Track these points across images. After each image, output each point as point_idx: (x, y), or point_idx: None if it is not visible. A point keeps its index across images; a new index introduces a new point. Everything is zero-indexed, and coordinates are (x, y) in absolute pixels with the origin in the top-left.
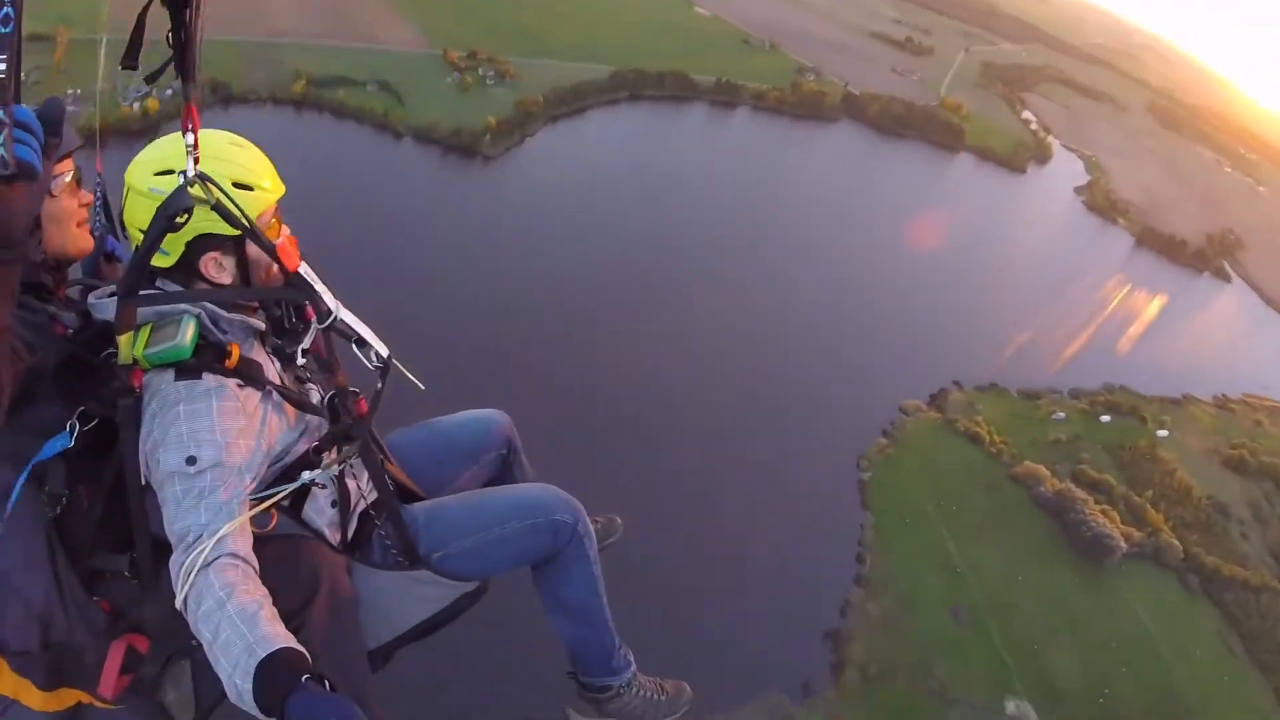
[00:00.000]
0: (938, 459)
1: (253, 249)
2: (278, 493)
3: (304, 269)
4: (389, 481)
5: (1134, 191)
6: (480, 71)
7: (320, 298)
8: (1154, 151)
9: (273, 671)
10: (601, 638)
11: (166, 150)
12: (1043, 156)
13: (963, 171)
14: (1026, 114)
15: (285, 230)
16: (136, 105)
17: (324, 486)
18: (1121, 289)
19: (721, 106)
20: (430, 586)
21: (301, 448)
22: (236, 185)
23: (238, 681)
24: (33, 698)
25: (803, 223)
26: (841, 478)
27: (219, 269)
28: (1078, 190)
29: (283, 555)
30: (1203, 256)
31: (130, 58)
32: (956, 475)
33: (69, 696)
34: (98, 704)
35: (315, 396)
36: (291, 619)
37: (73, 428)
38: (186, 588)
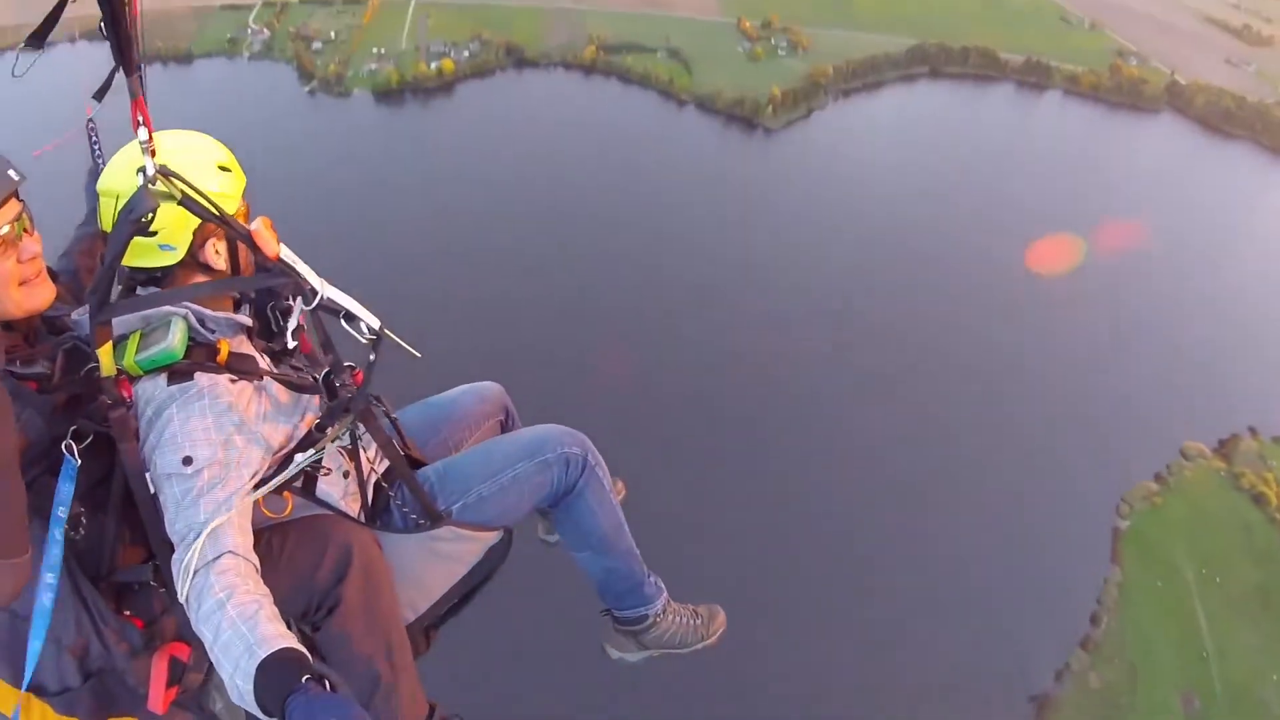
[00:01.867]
0: (1211, 516)
1: (238, 226)
2: (277, 476)
3: (284, 251)
4: (398, 448)
5: None
6: (773, 41)
7: (304, 279)
8: None
9: (273, 672)
10: (629, 566)
11: (136, 151)
12: None
13: None
14: None
15: (268, 220)
16: (434, 65)
17: (328, 471)
18: None
19: (1030, 88)
20: (455, 543)
21: (304, 431)
22: (222, 169)
23: (239, 682)
24: None
25: (1103, 225)
26: (1093, 521)
27: (216, 255)
28: None
29: (308, 536)
30: None
31: (37, 38)
32: (1229, 538)
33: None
34: None
35: (309, 379)
36: (327, 597)
37: (69, 448)
38: (186, 587)
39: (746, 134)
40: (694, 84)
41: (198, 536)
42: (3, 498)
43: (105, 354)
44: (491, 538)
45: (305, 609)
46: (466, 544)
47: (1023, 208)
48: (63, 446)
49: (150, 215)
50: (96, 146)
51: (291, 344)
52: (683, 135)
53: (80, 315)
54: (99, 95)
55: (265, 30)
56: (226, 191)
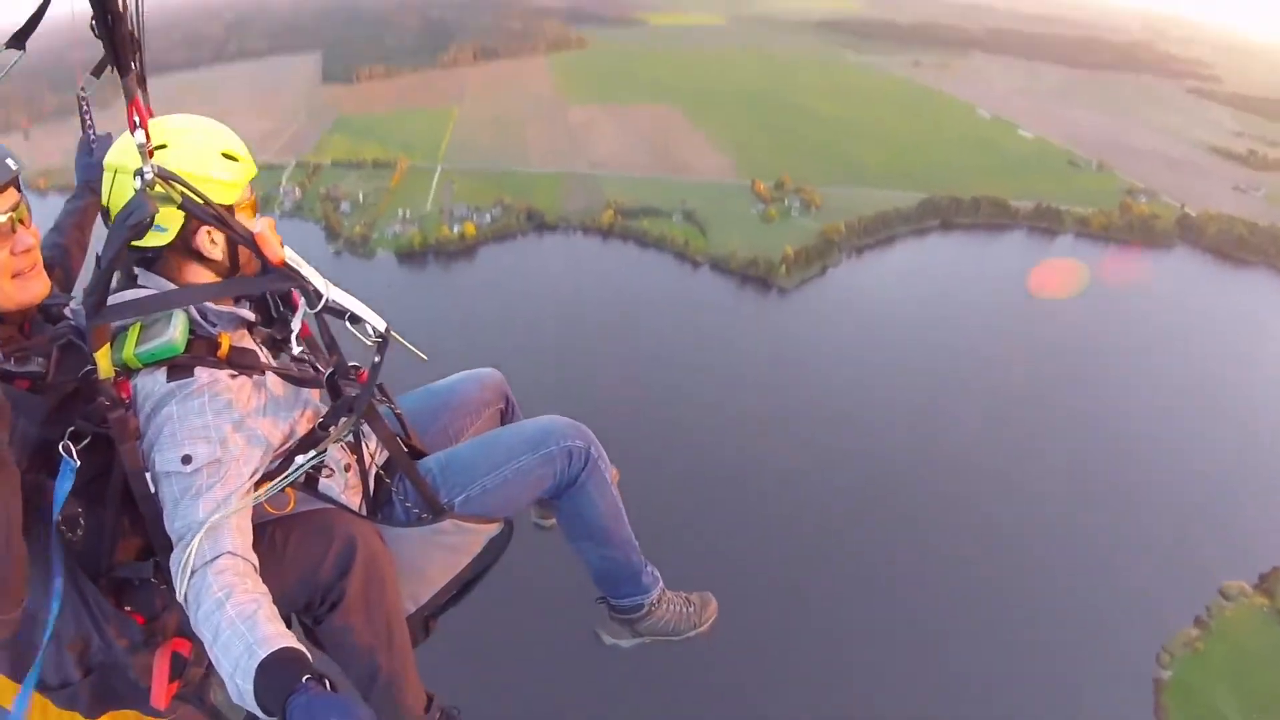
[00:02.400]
0: (1256, 656)
1: (236, 220)
2: (280, 477)
3: (289, 253)
4: (400, 441)
5: None
6: (786, 202)
7: (308, 282)
8: None
9: (273, 672)
10: (627, 557)
11: (159, 127)
12: None
13: None
14: None
15: (270, 221)
16: (457, 229)
17: (330, 473)
18: None
19: (1042, 234)
20: (457, 535)
21: (304, 427)
22: (225, 156)
23: (239, 682)
24: None
25: (1120, 363)
26: (1133, 673)
27: (211, 244)
28: None
29: (311, 530)
30: None
31: (18, 39)
32: (1276, 677)
33: (118, 719)
34: (147, 718)
35: (310, 371)
36: (330, 592)
37: (67, 449)
38: (184, 586)
39: (762, 294)
40: (709, 245)
41: (195, 536)
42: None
43: (103, 357)
44: (493, 529)
45: (308, 603)
46: (468, 536)
47: (1030, 350)
48: (60, 448)
49: (149, 220)
50: (88, 117)
51: (297, 349)
52: (698, 296)
53: (78, 306)
54: (96, 71)
55: (297, 190)
56: (229, 179)
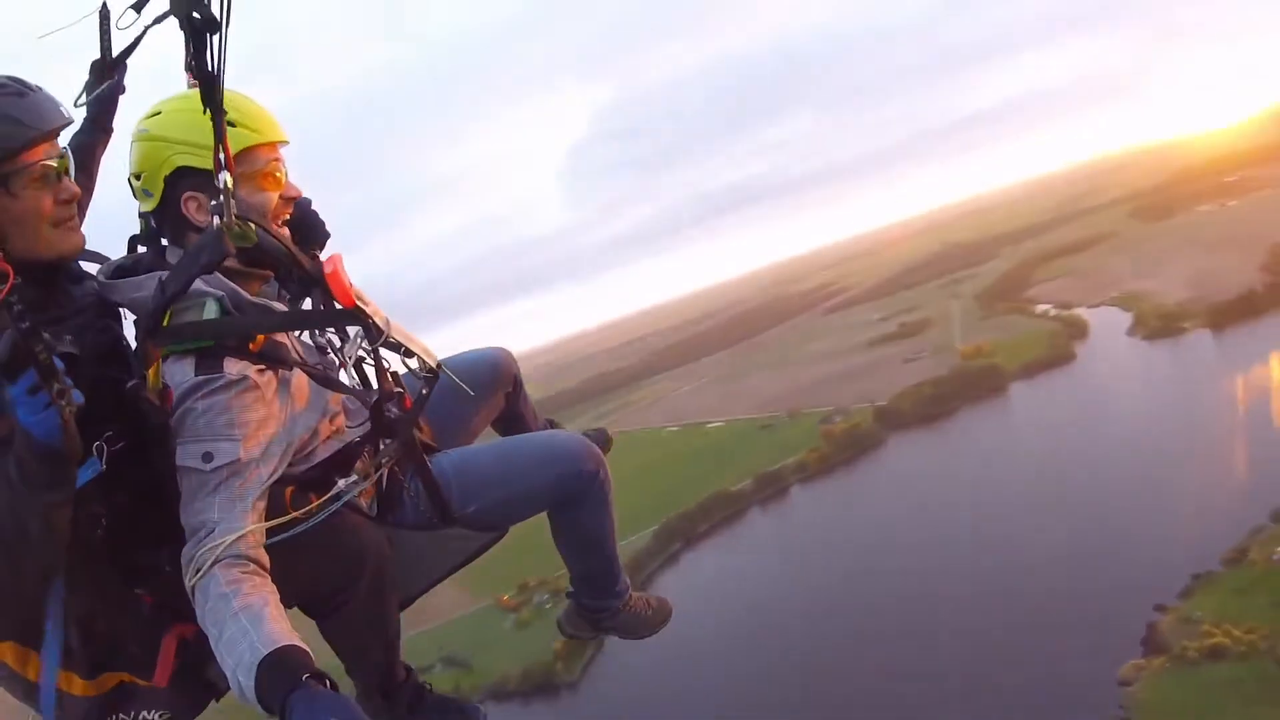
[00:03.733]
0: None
1: (240, 191)
2: (324, 501)
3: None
4: (419, 446)
5: (1176, 291)
6: (535, 601)
7: (373, 322)
8: (1164, 245)
9: (275, 669)
10: (609, 568)
11: (228, 99)
12: (1080, 331)
13: (1024, 405)
14: (1040, 307)
15: (339, 259)
16: None
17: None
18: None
19: (774, 500)
20: (457, 538)
21: (326, 429)
22: (226, 123)
23: (240, 678)
24: (75, 685)
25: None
26: None
27: (201, 211)
28: (1129, 332)
29: (324, 536)
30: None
31: (111, 66)
32: None
33: (111, 679)
34: (141, 683)
35: (334, 373)
36: (336, 594)
37: (100, 450)
38: (194, 581)
39: (552, 698)
40: (479, 678)
41: (209, 532)
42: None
43: (154, 373)
44: (494, 535)
45: (310, 604)
46: (470, 540)
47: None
48: (94, 449)
49: (221, 259)
50: (107, 37)
51: (352, 379)
52: None
53: (106, 279)
54: (138, 5)
55: None
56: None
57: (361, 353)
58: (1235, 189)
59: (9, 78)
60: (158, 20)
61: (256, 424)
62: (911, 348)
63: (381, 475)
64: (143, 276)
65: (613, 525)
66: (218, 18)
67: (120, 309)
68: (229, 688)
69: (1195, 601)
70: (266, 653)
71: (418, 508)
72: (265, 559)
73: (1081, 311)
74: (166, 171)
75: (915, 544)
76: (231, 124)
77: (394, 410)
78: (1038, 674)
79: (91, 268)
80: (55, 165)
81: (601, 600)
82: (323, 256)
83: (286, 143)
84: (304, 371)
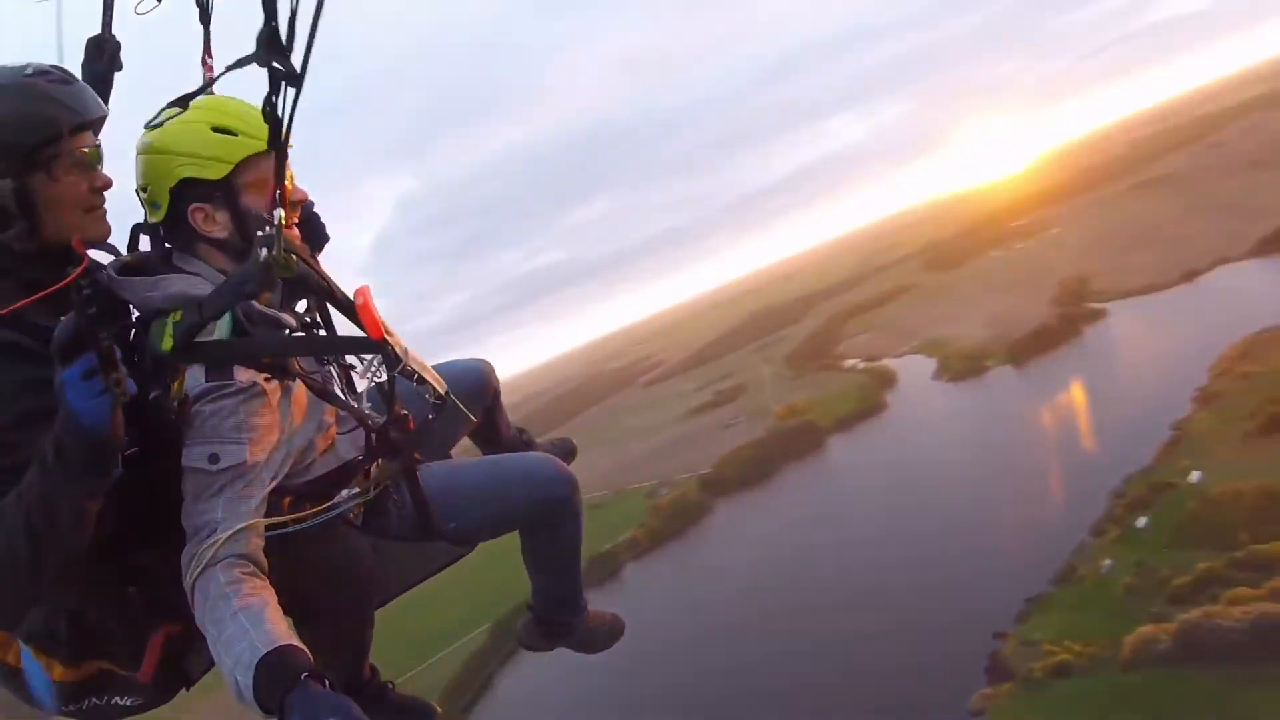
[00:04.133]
0: None
1: (246, 200)
2: (328, 507)
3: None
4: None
5: (975, 333)
6: None
7: (394, 351)
8: (960, 291)
9: (274, 669)
10: (572, 587)
11: (228, 108)
12: (889, 381)
13: (843, 457)
14: (848, 362)
15: (368, 290)
16: None
17: (356, 512)
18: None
19: (609, 581)
20: (435, 550)
21: (321, 444)
22: (215, 129)
23: (238, 677)
24: (56, 671)
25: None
26: None
27: (209, 222)
28: (935, 376)
29: (317, 546)
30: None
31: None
32: None
33: (91, 666)
34: (121, 672)
35: (332, 387)
36: (320, 602)
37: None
38: (194, 579)
39: None
40: None
41: (211, 533)
42: None
43: (179, 385)
44: (467, 550)
45: (294, 608)
46: (444, 553)
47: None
48: None
49: (267, 290)
50: (109, 12)
51: (367, 405)
52: None
53: (115, 275)
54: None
55: None
56: (217, 155)
57: (377, 376)
58: (1022, 232)
59: (55, 67)
60: (239, 64)
61: (263, 429)
62: (729, 414)
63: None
64: (155, 278)
65: (579, 550)
66: (298, 72)
67: (129, 306)
68: (200, 677)
69: (1033, 624)
70: (265, 651)
71: (403, 520)
72: (264, 562)
73: (888, 362)
74: (171, 184)
75: (751, 605)
76: (233, 133)
77: (397, 433)
78: None
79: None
80: (92, 153)
81: (564, 615)
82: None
83: (292, 146)
84: (305, 383)
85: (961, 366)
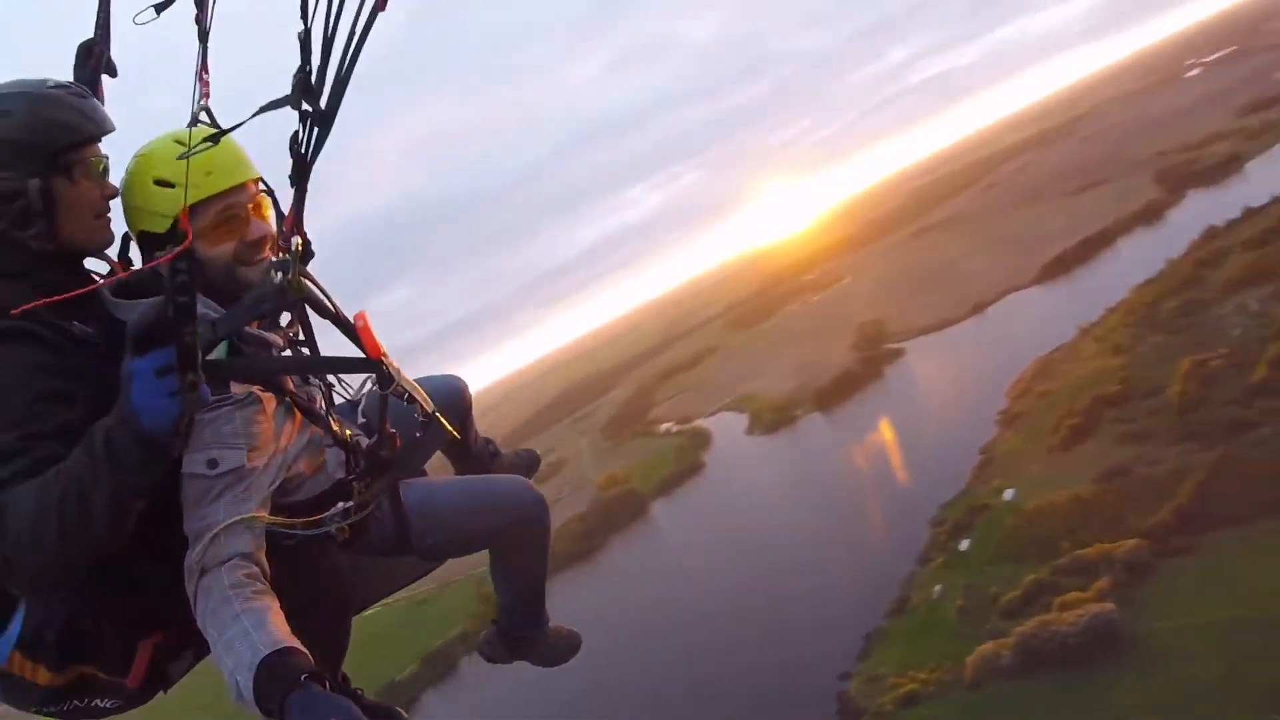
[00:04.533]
0: None
1: (203, 247)
2: (330, 515)
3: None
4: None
5: (782, 385)
6: None
7: (388, 370)
8: (764, 347)
9: (275, 670)
10: (536, 603)
11: (166, 156)
12: (704, 440)
13: (668, 520)
14: (663, 426)
15: (366, 314)
16: None
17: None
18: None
19: (444, 679)
20: (407, 563)
21: (305, 458)
22: (156, 181)
23: (239, 678)
24: (42, 677)
25: None
26: None
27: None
28: (748, 431)
29: (300, 559)
30: (865, 364)
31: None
32: None
33: (76, 671)
34: (103, 677)
35: (317, 406)
36: (299, 613)
37: None
38: (195, 583)
39: None
40: None
41: (213, 535)
42: None
43: None
44: (437, 564)
45: None
46: (417, 567)
47: None
48: None
49: (284, 309)
50: (102, 15)
51: (361, 420)
52: None
53: (114, 299)
54: (161, 6)
55: None
56: (157, 209)
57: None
58: (817, 284)
59: (72, 82)
60: (273, 106)
61: (260, 436)
62: (552, 490)
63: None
64: (154, 299)
65: (544, 569)
66: (329, 115)
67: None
68: (178, 680)
69: (875, 659)
70: (267, 653)
71: (383, 535)
72: (267, 566)
73: (701, 422)
74: (134, 233)
75: (594, 679)
76: (170, 185)
77: (387, 451)
78: None
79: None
80: (102, 162)
81: (526, 629)
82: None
83: (240, 184)
84: (294, 403)
85: (772, 419)
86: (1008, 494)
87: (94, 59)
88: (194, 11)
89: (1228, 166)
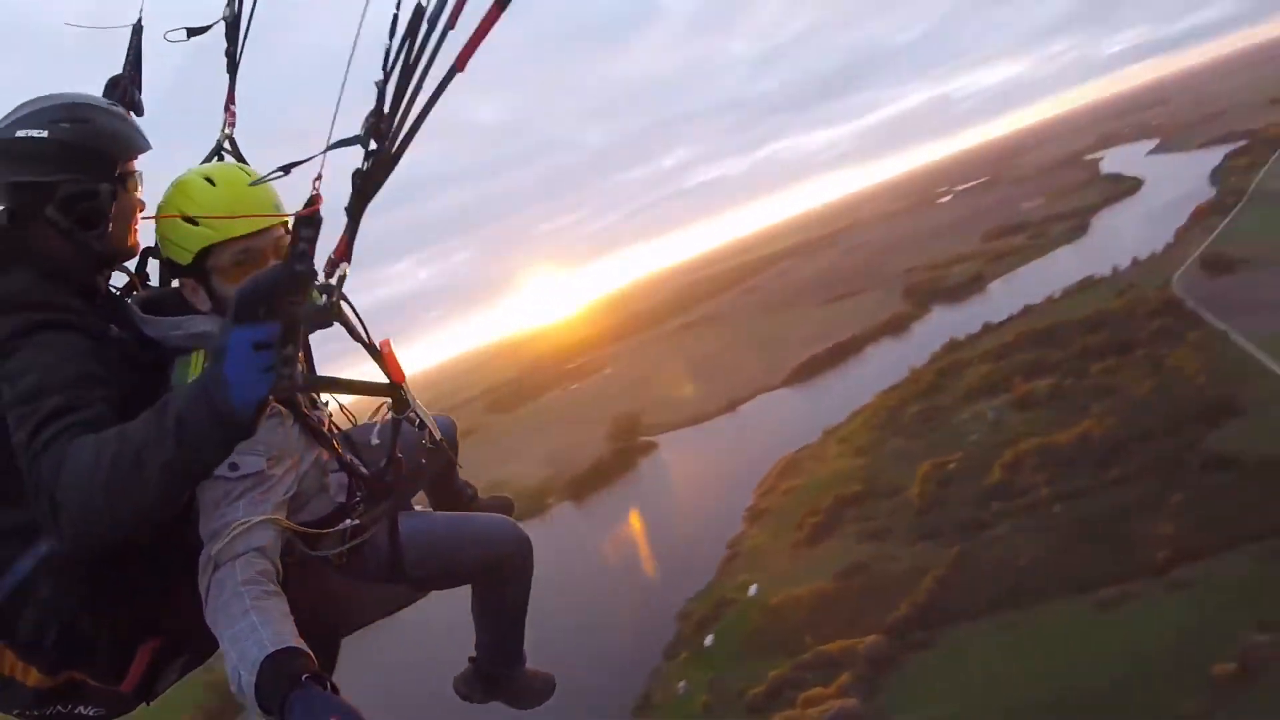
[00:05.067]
0: None
1: (215, 282)
2: (342, 528)
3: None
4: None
5: (536, 471)
6: None
7: (406, 396)
8: (521, 432)
9: (278, 668)
10: (515, 642)
11: (194, 193)
12: None
13: (409, 613)
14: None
15: (389, 341)
16: None
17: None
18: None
19: None
20: (395, 591)
21: (310, 478)
22: (184, 217)
23: (242, 674)
24: (32, 678)
25: None
26: None
27: (194, 295)
28: None
29: (295, 582)
30: (619, 454)
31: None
32: None
33: (66, 675)
34: (92, 683)
35: (325, 429)
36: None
37: None
38: (209, 577)
39: None
40: None
41: (233, 532)
42: None
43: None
44: (422, 594)
45: None
46: (405, 595)
47: None
48: None
49: (325, 326)
50: (136, 53)
51: (375, 441)
52: None
53: (143, 315)
54: (195, 31)
55: None
56: (181, 243)
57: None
58: (578, 372)
59: (115, 103)
60: (342, 144)
61: (279, 446)
62: None
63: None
64: (179, 318)
65: (525, 608)
66: (393, 151)
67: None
68: (165, 689)
69: None
70: (272, 651)
71: (378, 562)
72: (280, 566)
73: None
74: (201, 248)
75: None
76: (195, 222)
77: (393, 476)
78: None
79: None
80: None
81: (504, 668)
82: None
83: (263, 229)
84: (305, 424)
85: (524, 506)
86: (752, 589)
87: (120, 93)
88: (225, 45)
89: (971, 285)
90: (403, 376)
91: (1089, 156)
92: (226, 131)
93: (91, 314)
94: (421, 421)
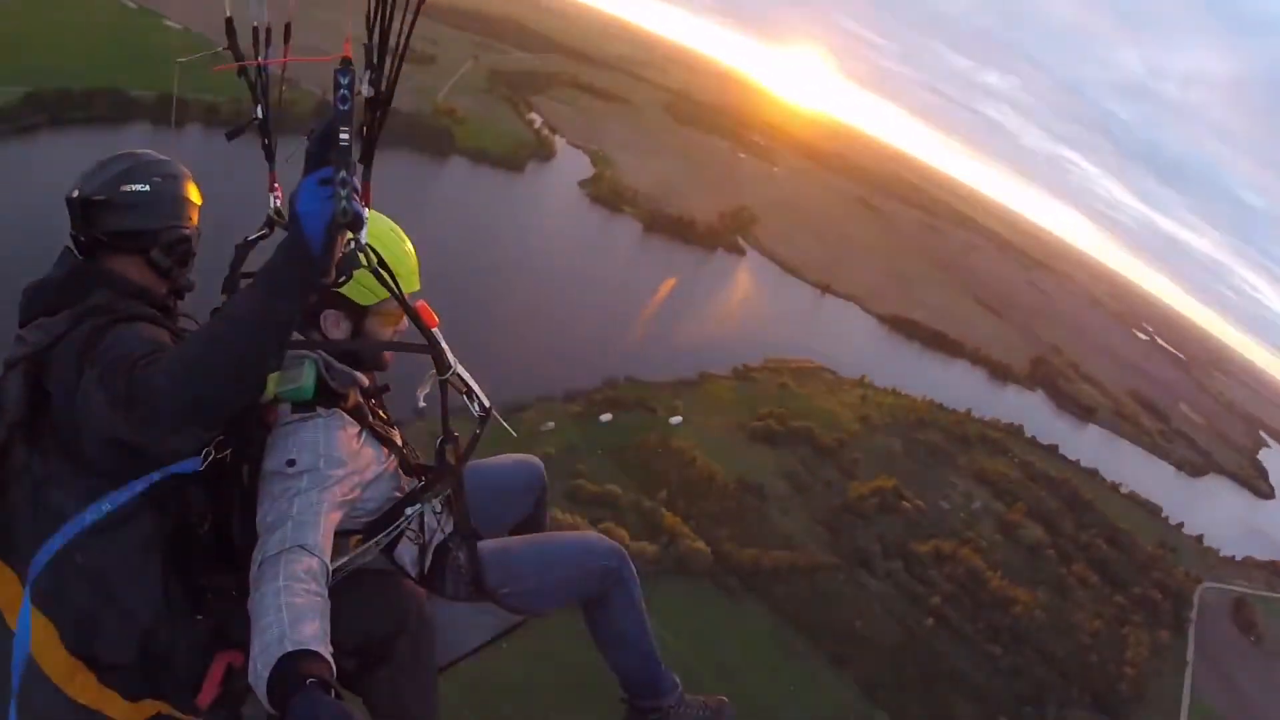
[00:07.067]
0: None
1: (370, 322)
2: (394, 527)
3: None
4: (468, 513)
5: (644, 181)
6: None
7: (445, 353)
8: (667, 145)
9: (290, 667)
10: (647, 665)
11: (394, 247)
12: (545, 155)
13: (454, 177)
14: (533, 115)
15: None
16: None
17: (407, 539)
18: (627, 275)
19: (167, 125)
20: (486, 615)
21: (385, 486)
22: (381, 263)
23: (259, 665)
24: (116, 708)
25: None
26: None
27: (335, 328)
28: (581, 184)
29: (378, 588)
30: (715, 234)
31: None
32: None
33: (150, 707)
34: (178, 714)
35: (395, 439)
36: (380, 646)
37: (207, 454)
38: (255, 570)
39: None
40: None
41: (282, 527)
42: None
43: (274, 380)
44: (519, 621)
45: (355, 650)
46: (494, 618)
47: None
48: (202, 452)
49: (347, 277)
50: (261, 89)
51: (422, 404)
52: None
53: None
54: (232, 135)
55: None
56: (375, 289)
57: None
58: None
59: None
60: (342, 100)
61: (340, 448)
62: (404, 74)
63: (429, 547)
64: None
65: (644, 622)
66: (388, 99)
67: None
68: (243, 704)
69: None
70: (290, 649)
71: (459, 579)
72: (328, 565)
73: (561, 141)
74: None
75: None
76: (387, 269)
77: (450, 450)
78: None
79: None
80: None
81: (649, 700)
82: None
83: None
84: (374, 433)
85: None
86: (675, 419)
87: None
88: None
89: None
90: (435, 321)
91: None
92: (276, 204)
93: (165, 320)
94: (469, 389)
